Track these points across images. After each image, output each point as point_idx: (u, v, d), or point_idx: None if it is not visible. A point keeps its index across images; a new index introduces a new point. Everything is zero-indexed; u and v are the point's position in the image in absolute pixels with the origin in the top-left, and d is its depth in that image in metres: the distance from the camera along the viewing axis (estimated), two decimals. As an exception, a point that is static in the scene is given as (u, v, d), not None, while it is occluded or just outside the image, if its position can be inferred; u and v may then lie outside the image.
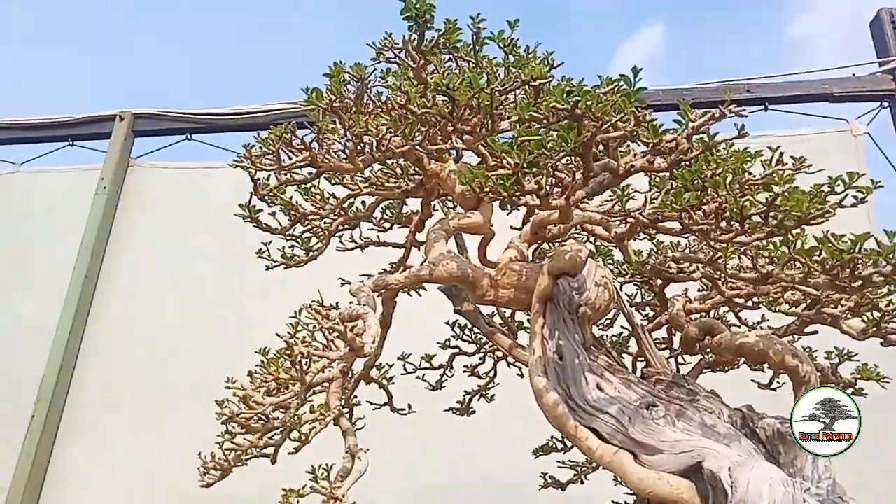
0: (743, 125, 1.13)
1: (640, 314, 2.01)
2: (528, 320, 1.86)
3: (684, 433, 1.26)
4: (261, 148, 1.44)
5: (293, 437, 1.33)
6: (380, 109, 1.40)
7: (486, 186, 1.13)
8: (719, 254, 1.30)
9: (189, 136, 4.50)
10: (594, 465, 1.89)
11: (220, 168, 4.38)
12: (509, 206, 1.24)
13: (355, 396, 1.69)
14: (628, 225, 1.37)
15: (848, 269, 1.08)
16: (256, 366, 1.39)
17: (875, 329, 1.50)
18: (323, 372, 1.29)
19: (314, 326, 1.23)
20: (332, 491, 1.16)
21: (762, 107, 3.84)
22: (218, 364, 3.70)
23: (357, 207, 1.83)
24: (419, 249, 2.12)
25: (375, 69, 1.44)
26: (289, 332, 1.27)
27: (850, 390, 1.87)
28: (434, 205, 1.97)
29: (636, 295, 2.03)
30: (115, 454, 3.71)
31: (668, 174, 1.20)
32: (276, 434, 1.39)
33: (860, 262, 1.07)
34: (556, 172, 1.12)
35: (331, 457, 1.33)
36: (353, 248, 1.99)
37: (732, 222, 1.15)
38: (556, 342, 1.42)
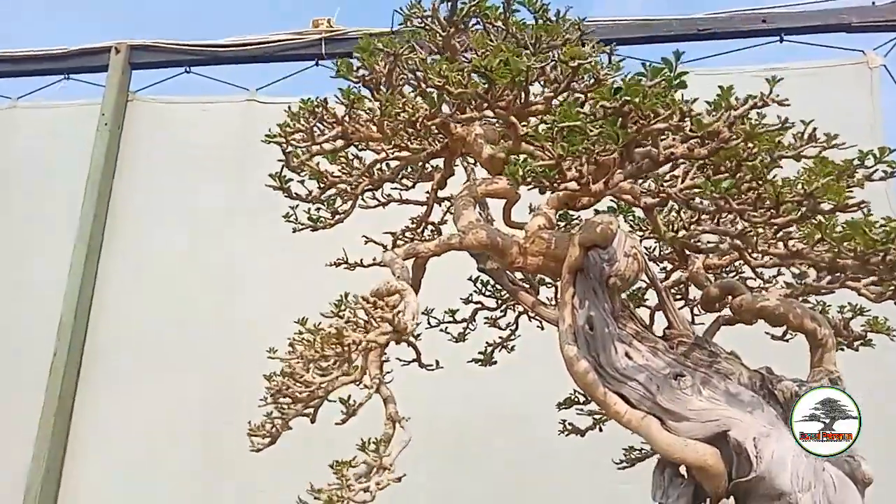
0: (786, 118, 1.13)
1: (658, 266, 2.06)
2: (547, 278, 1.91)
3: (710, 402, 1.34)
4: (293, 124, 1.43)
5: (342, 411, 1.40)
6: (413, 84, 1.39)
7: (528, 176, 1.15)
8: (749, 228, 1.32)
9: (188, 69, 4.40)
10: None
11: (221, 103, 4.32)
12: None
13: (384, 354, 1.75)
14: (659, 198, 1.39)
15: (879, 256, 1.12)
16: (296, 335, 1.45)
17: (892, 292, 1.56)
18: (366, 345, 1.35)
19: (357, 304, 1.28)
20: (381, 461, 1.24)
21: (777, 38, 3.76)
22: (231, 298, 3.82)
23: (382, 169, 1.83)
24: (440, 205, 2.15)
25: (407, 41, 1.41)
26: (332, 311, 1.32)
27: (859, 342, 1.96)
28: (455, 162, 1.98)
29: (654, 249, 2.07)
30: (138, 392, 3.84)
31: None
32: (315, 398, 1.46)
33: (892, 249, 1.11)
34: (596, 159, 1.13)
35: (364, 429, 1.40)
36: (375, 206, 2.01)
37: (767, 203, 1.18)
38: (586, 312, 1.47)
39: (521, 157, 1.26)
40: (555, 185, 1.17)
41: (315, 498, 1.15)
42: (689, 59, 3.79)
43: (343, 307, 1.28)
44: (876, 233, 1.11)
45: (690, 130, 1.10)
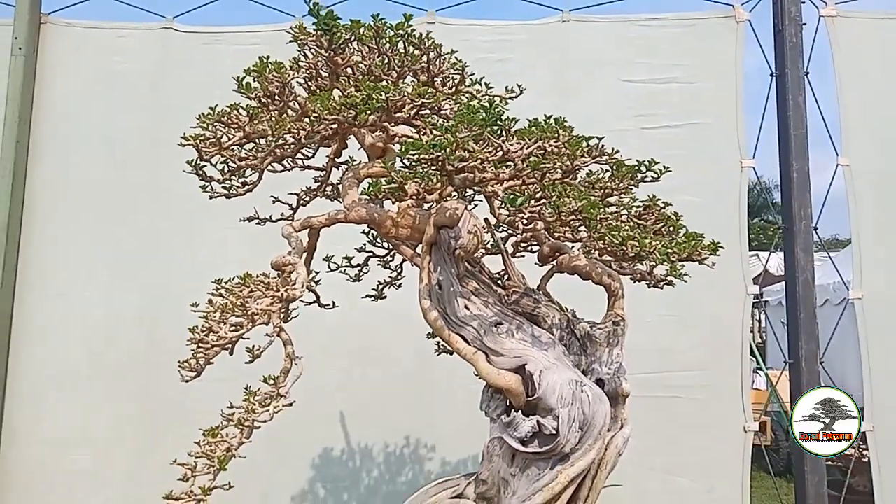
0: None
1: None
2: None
3: (519, 343, 1.87)
4: (203, 129, 1.78)
5: (249, 353, 1.85)
6: (298, 105, 1.75)
7: (379, 192, 1.58)
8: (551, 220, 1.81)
9: (102, -8, 4.42)
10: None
11: (139, 30, 4.39)
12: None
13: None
14: (489, 193, 1.84)
15: (622, 251, 1.62)
16: (213, 291, 1.87)
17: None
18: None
19: (256, 280, 1.71)
20: (278, 390, 1.72)
21: (659, -11, 4.13)
22: (155, 216, 4.10)
23: (284, 147, 2.19)
24: (338, 168, 2.54)
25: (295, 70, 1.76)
26: (240, 280, 1.75)
27: (662, 282, 2.53)
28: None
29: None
30: (72, 307, 4.17)
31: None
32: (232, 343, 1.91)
33: (631, 247, 1.61)
34: (428, 184, 1.56)
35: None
36: (281, 171, 2.38)
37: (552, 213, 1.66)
38: (437, 275, 1.95)
39: (374, 179, 1.68)
40: (401, 199, 1.60)
41: (228, 421, 1.63)
42: (578, 5, 4.15)
43: (247, 281, 1.71)
44: (618, 236, 1.61)
45: (496, 162, 1.54)
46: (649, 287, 2.41)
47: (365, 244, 2.55)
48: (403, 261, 2.57)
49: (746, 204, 4.05)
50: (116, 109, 4.30)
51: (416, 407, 3.83)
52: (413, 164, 1.56)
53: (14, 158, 4.24)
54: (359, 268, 2.57)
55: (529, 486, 1.74)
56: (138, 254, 4.14)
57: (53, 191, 4.28)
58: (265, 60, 1.75)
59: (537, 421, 1.75)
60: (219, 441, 1.74)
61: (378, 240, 2.51)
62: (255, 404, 1.68)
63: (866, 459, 3.98)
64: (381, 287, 2.65)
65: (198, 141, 1.79)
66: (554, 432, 1.72)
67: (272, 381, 1.72)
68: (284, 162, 2.35)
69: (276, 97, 1.79)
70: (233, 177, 2.04)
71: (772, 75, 4.09)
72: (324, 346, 3.78)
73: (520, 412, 1.79)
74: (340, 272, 2.59)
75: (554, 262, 2.25)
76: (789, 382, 3.88)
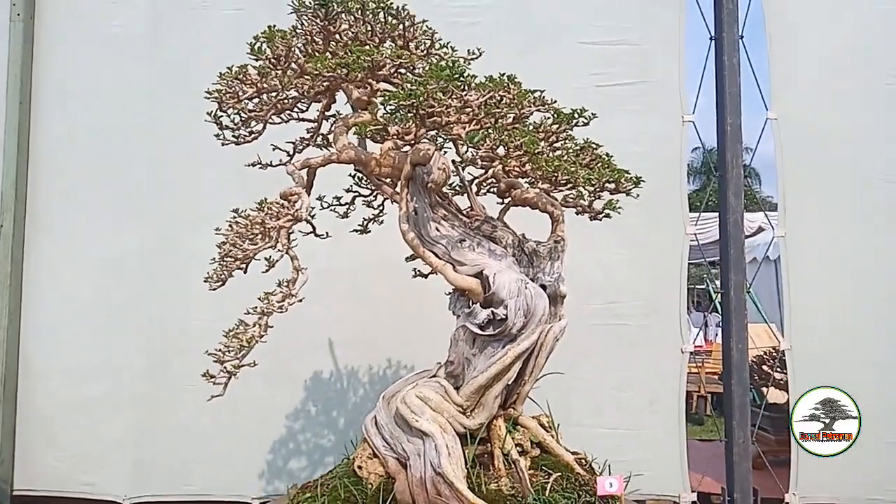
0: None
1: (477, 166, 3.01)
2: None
3: (478, 255, 2.37)
4: (223, 86, 2.21)
5: (266, 262, 2.31)
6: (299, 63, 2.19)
7: (367, 133, 2.03)
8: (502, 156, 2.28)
9: (92, -44, 4.69)
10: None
11: (131, -7, 4.70)
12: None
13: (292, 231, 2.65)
14: (453, 136, 2.30)
15: (553, 178, 2.11)
16: (231, 219, 2.32)
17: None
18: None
19: (271, 203, 2.17)
20: (290, 291, 2.20)
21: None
22: (158, 164, 4.49)
23: (283, 101, 2.62)
24: (327, 121, 2.97)
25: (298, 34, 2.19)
26: (257, 206, 2.20)
27: (601, 214, 3.02)
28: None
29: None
30: (78, 251, 4.58)
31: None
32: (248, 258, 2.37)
33: (561, 174, 2.10)
34: (405, 126, 2.03)
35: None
36: (279, 123, 2.81)
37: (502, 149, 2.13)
38: (413, 204, 2.43)
39: (362, 124, 2.14)
40: (384, 139, 2.05)
41: (250, 313, 2.11)
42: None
43: (263, 205, 2.16)
44: (551, 164, 2.10)
45: (458, 108, 2.01)
46: (591, 220, 2.89)
47: (351, 186, 3.01)
48: (385, 199, 3.04)
49: (687, 154, 4.57)
50: (114, 69, 4.62)
51: (396, 335, 4.33)
52: (393, 111, 2.01)
53: (18, 118, 4.58)
54: (346, 206, 3.03)
55: (486, 361, 2.26)
56: (138, 200, 4.53)
57: (59, 147, 4.64)
58: (272, 28, 2.18)
59: (492, 311, 2.25)
60: (242, 332, 2.22)
61: (363, 181, 2.96)
62: (271, 301, 2.16)
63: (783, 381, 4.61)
64: (365, 223, 3.11)
65: (220, 95, 2.22)
66: (504, 317, 2.22)
67: (285, 284, 2.20)
68: (283, 115, 2.79)
69: (281, 59, 2.22)
70: (243, 126, 2.47)
71: (711, 38, 4.57)
72: (312, 287, 4.23)
73: (478, 305, 2.29)
74: (330, 210, 3.05)
75: (509, 197, 2.74)
76: (720, 309, 4.45)
